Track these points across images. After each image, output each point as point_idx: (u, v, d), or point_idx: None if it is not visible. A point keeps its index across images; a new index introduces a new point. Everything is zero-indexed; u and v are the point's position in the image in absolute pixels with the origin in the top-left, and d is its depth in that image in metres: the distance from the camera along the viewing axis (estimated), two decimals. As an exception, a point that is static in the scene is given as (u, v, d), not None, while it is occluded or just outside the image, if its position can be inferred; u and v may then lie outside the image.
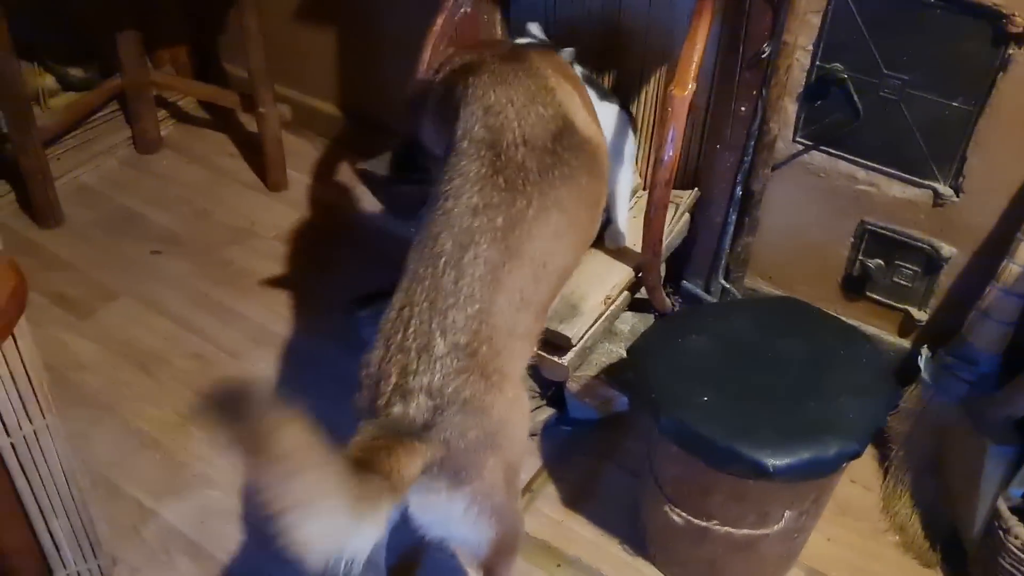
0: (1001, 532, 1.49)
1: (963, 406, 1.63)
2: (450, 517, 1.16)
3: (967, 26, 1.50)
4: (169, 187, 2.46)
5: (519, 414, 1.20)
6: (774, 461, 1.29)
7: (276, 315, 2.08)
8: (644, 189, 1.96)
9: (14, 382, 1.17)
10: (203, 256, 2.24)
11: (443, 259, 1.14)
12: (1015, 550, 1.46)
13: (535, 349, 1.44)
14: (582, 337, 1.67)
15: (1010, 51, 1.47)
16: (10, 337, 1.12)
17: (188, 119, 2.72)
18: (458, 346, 1.10)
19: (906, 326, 1.85)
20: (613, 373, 1.79)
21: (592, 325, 1.68)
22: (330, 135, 2.62)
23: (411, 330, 1.11)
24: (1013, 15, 1.44)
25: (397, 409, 1.09)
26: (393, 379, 1.10)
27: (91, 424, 1.79)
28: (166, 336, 2.02)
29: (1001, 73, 1.50)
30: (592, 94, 1.60)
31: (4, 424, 1.19)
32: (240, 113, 2.64)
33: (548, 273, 1.22)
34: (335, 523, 0.95)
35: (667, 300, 1.81)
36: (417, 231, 1.21)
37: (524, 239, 1.18)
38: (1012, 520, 1.48)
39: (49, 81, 2.48)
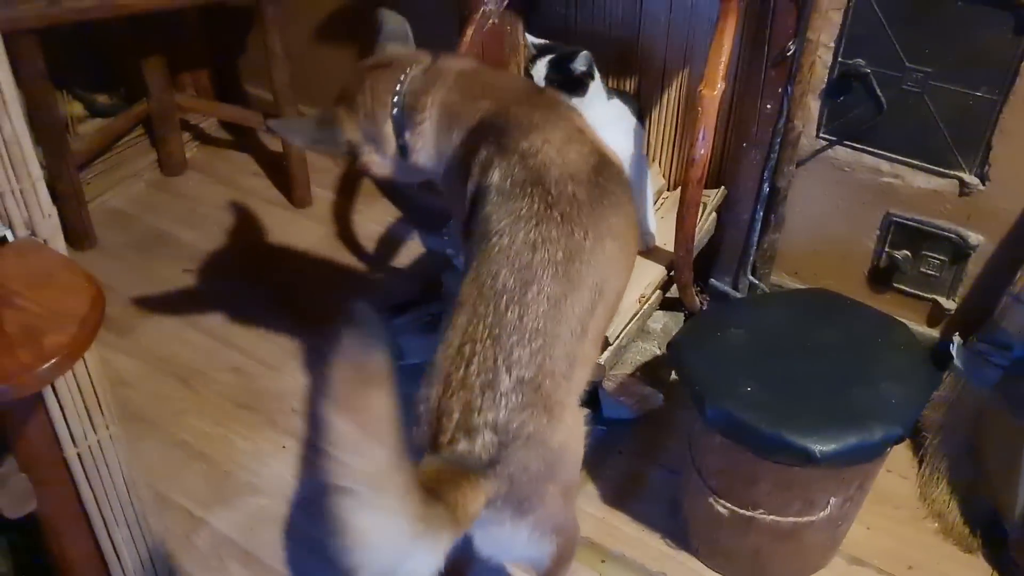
0: (1042, 515, 1.51)
1: (998, 391, 1.65)
2: (515, 544, 1.19)
3: (988, 16, 1.53)
4: (197, 207, 2.50)
5: (577, 439, 1.23)
6: (821, 447, 1.32)
7: (310, 328, 2.11)
8: (670, 189, 2.00)
9: (80, 393, 1.21)
10: (232, 273, 2.28)
11: (505, 296, 1.15)
12: (1057, 530, 1.48)
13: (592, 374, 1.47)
14: (618, 336, 1.70)
15: (1032, 40, 1.51)
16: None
17: (212, 141, 2.76)
18: (523, 381, 1.11)
19: (935, 316, 1.88)
20: (647, 371, 1.82)
21: (628, 324, 1.72)
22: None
23: (474, 367, 1.12)
24: (1034, 3, 1.48)
25: (462, 446, 1.10)
26: (456, 415, 1.11)
27: (137, 438, 1.82)
28: (204, 351, 2.06)
29: None
30: (617, 103, 1.66)
31: (71, 434, 1.22)
32: (263, 133, 2.68)
33: (606, 299, 1.24)
34: (392, 531, 0.96)
35: (696, 298, 1.85)
36: (469, 268, 1.22)
37: (584, 270, 1.19)
38: (1053, 500, 1.50)
39: (77, 109, 2.53)
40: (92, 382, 1.22)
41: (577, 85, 1.63)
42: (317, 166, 2.54)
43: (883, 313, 1.56)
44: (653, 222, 1.81)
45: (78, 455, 1.24)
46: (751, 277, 1.96)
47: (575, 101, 1.60)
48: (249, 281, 2.26)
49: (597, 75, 1.66)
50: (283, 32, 2.26)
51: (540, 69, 1.63)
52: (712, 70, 1.52)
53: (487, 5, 1.72)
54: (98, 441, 1.27)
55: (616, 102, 1.72)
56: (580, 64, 1.62)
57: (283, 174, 2.51)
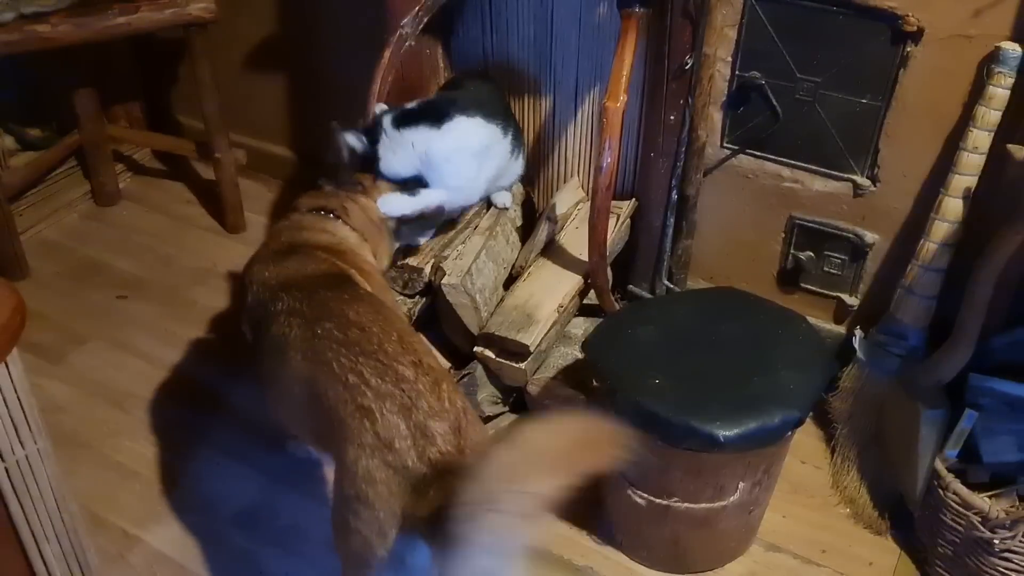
0: (940, 491, 1.60)
1: (896, 379, 1.75)
2: None
3: (868, 28, 1.65)
4: (130, 236, 2.53)
5: None
6: (724, 432, 1.40)
7: (243, 349, 2.14)
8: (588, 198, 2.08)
9: (7, 407, 1.23)
10: (168, 298, 2.31)
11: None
12: (954, 505, 1.57)
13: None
14: (538, 344, 1.77)
15: (908, 49, 1.62)
16: (2, 364, 1.18)
17: (145, 170, 2.80)
18: None
19: (840, 312, 1.98)
20: (569, 374, 1.89)
21: (547, 331, 1.79)
22: (284, 176, 2.72)
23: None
24: (908, 16, 1.59)
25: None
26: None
27: (71, 461, 1.84)
28: (138, 374, 2.08)
29: (902, 69, 1.65)
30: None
31: (-2, 449, 1.24)
32: (195, 161, 2.73)
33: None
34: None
35: (615, 304, 1.93)
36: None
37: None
38: (949, 477, 1.59)
39: (8, 142, 2.55)
40: (18, 396, 1.24)
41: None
42: (250, 193, 2.59)
43: (783, 307, 1.66)
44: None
45: (5, 469, 1.27)
46: (667, 282, 2.04)
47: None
48: (184, 305, 2.29)
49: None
50: (213, 62, 2.31)
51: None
52: (615, 84, 1.61)
53: (404, 28, 1.80)
54: (26, 456, 1.29)
55: (488, 118, 1.79)
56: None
57: (217, 201, 2.55)
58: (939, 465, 1.62)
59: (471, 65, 2.06)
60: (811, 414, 1.94)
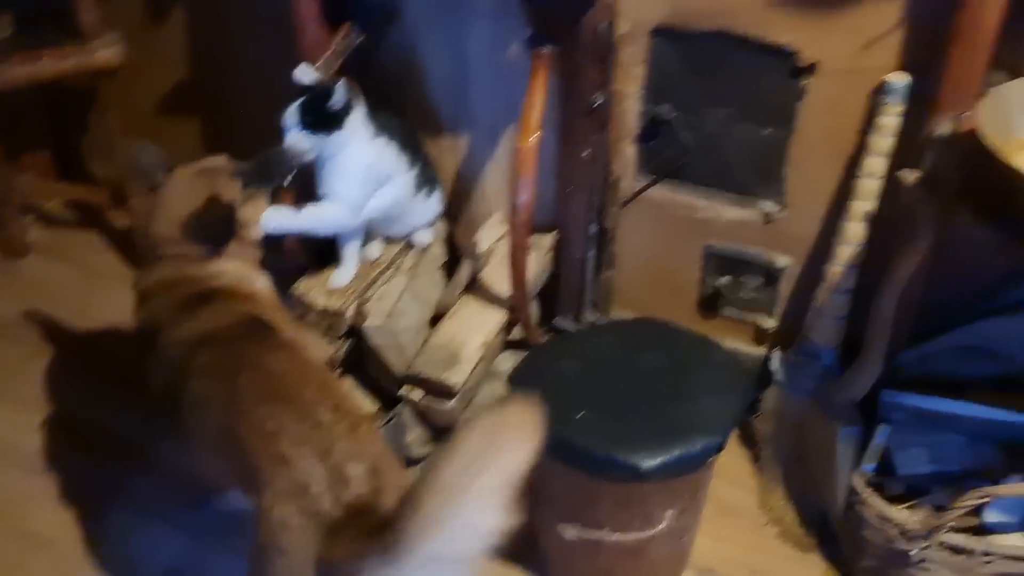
0: (860, 505, 1.65)
1: (813, 398, 1.80)
2: None
3: (768, 63, 1.71)
4: (41, 289, 2.46)
5: None
6: (647, 462, 1.42)
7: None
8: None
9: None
10: (82, 351, 2.25)
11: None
12: (873, 519, 1.62)
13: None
14: (465, 382, 1.78)
15: (804, 82, 1.69)
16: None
17: (56, 221, 2.72)
18: None
19: (759, 335, 2.03)
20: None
21: (473, 369, 1.80)
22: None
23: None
24: (802, 51, 1.66)
25: None
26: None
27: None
28: (51, 434, 2.02)
29: (800, 101, 1.71)
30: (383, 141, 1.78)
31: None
32: (109, 210, 2.67)
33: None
34: None
35: (541, 337, 1.95)
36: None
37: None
38: (867, 491, 1.64)
39: (-91, 197, 2.46)
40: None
41: (334, 121, 1.69)
42: (167, 240, 2.54)
43: (700, 335, 1.69)
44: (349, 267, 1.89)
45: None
46: (592, 314, 2.07)
47: (333, 137, 1.69)
48: (99, 358, 2.23)
49: (359, 108, 1.73)
50: (125, 108, 2.28)
51: (291, 116, 1.68)
52: (526, 124, 1.64)
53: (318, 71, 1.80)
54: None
55: (382, 140, 1.79)
56: (338, 100, 1.67)
57: (132, 250, 2.49)
58: (857, 480, 1.67)
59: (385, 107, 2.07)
60: (737, 436, 2.00)
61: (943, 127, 1.49)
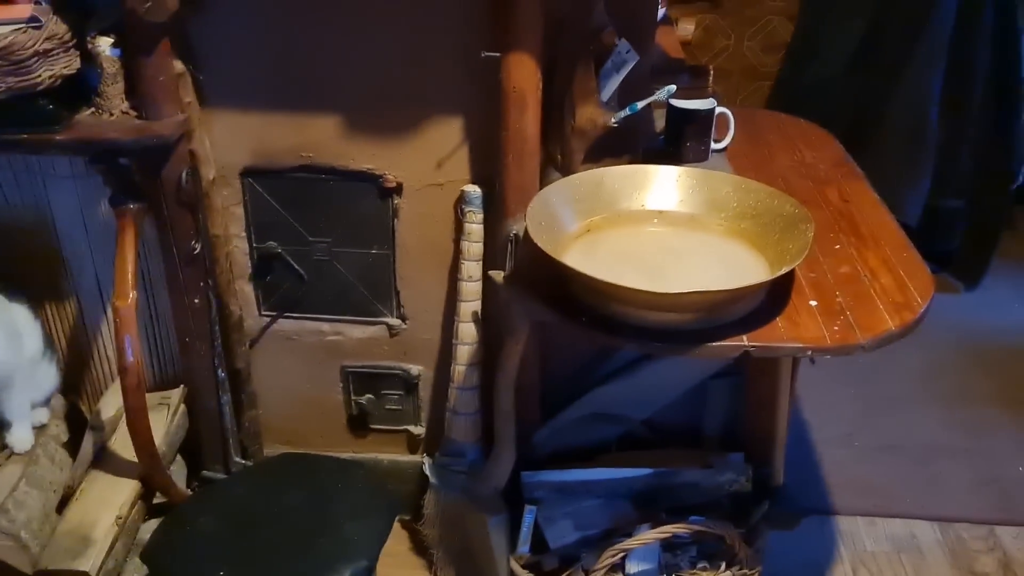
0: (521, 587, 1.73)
1: (464, 494, 1.87)
2: None
3: (358, 188, 1.80)
4: None
5: None
6: (296, 606, 1.39)
7: None
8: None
9: None
10: None
11: None
12: (536, 598, 1.71)
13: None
14: (100, 566, 1.65)
15: (395, 201, 1.80)
16: None
17: None
18: None
19: (412, 443, 2.09)
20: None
21: (108, 550, 1.67)
22: None
23: None
24: (386, 174, 1.77)
25: None
26: None
27: None
28: None
29: (395, 219, 1.82)
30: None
31: None
32: None
33: None
34: None
35: (187, 495, 1.86)
36: None
37: None
38: (524, 573, 1.73)
39: None
40: None
41: None
42: None
43: (340, 460, 1.71)
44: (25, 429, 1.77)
45: None
46: (241, 459, 2.02)
47: None
48: None
49: None
50: None
51: None
52: (120, 282, 1.59)
53: None
54: None
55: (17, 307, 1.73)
56: None
57: None
58: (514, 564, 1.75)
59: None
60: (409, 547, 2.03)
61: (515, 227, 1.65)
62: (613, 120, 1.55)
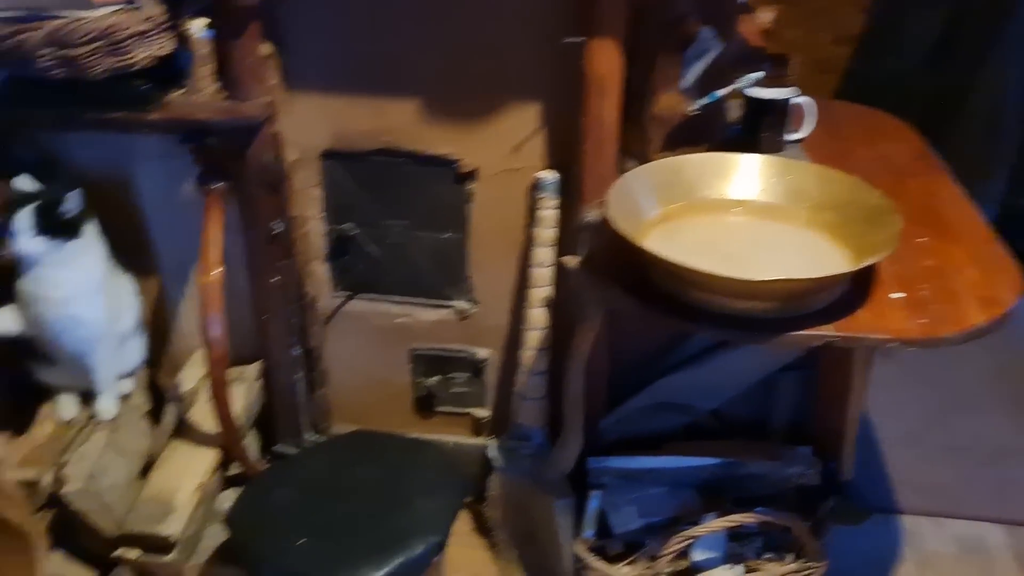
0: (585, 571, 1.75)
1: (530, 478, 1.90)
2: None
3: (434, 173, 1.82)
4: None
5: None
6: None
7: None
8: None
9: None
10: None
11: None
12: (599, 581, 1.72)
13: None
14: (182, 531, 1.70)
15: (468, 186, 1.82)
16: None
17: None
18: None
19: (476, 426, 2.12)
20: (227, 552, 1.83)
21: (190, 516, 1.73)
22: None
23: None
24: (462, 159, 1.79)
25: None
26: None
27: None
28: None
29: (469, 204, 1.84)
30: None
31: None
32: None
33: None
34: None
35: (261, 468, 1.91)
36: None
37: None
38: (589, 557, 1.74)
39: None
40: None
41: (71, 229, 1.64)
42: None
43: (411, 439, 1.74)
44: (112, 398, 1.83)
45: None
46: (313, 435, 2.06)
47: (72, 245, 1.64)
48: None
49: (93, 219, 1.70)
50: None
51: (24, 219, 1.60)
52: (205, 259, 1.64)
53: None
54: None
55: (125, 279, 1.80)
56: (71, 206, 1.63)
57: None
58: (578, 547, 1.76)
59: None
60: (471, 528, 2.06)
61: (591, 214, 1.66)
62: (694, 108, 1.55)
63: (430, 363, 2.04)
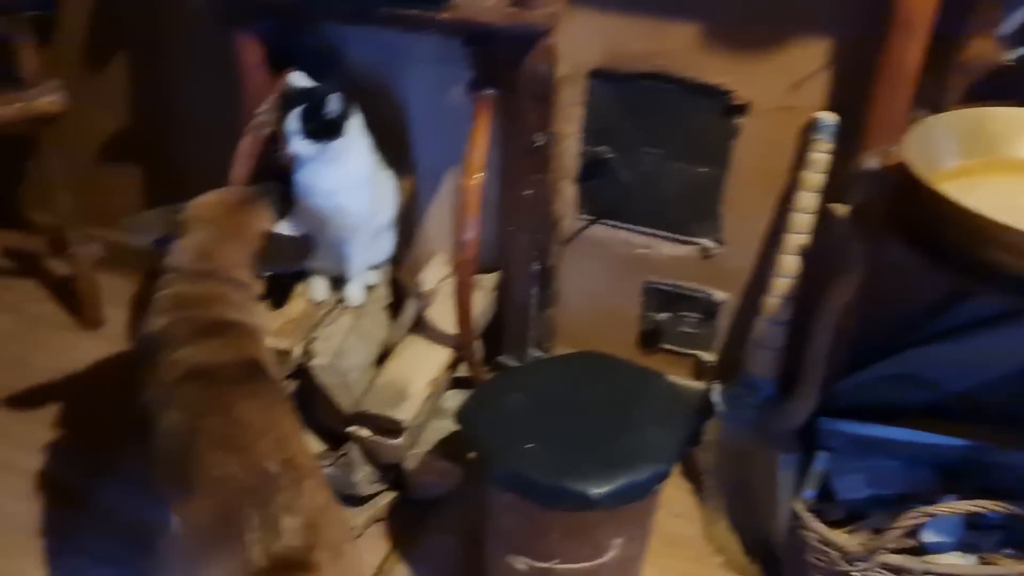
0: (802, 530, 1.69)
1: (754, 428, 1.85)
2: None
3: (702, 103, 1.78)
4: (-22, 338, 2.41)
5: None
6: (596, 490, 1.44)
7: (117, 447, 2.06)
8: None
9: None
10: (24, 401, 2.20)
11: None
12: (815, 543, 1.66)
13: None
14: (412, 419, 1.79)
15: (737, 121, 1.76)
16: None
17: (-8, 270, 2.68)
18: None
19: (699, 369, 2.08)
20: (446, 447, 1.91)
21: (421, 406, 1.81)
22: (144, 268, 2.65)
23: None
24: (735, 91, 1.73)
25: None
26: None
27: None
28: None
29: (734, 140, 1.78)
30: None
31: None
32: (48, 257, 2.63)
33: None
34: None
35: (486, 375, 1.96)
36: None
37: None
38: (808, 516, 1.68)
39: None
40: None
41: (334, 129, 1.71)
42: (108, 287, 2.51)
43: (643, 368, 1.73)
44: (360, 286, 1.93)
45: None
46: (536, 351, 2.10)
47: (337, 143, 1.72)
48: (40, 406, 2.18)
49: (357, 116, 1.77)
50: (66, 155, 2.26)
51: (293, 122, 1.69)
52: (470, 164, 1.68)
53: (260, 115, 1.83)
54: None
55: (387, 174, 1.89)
56: (333, 108, 1.69)
57: (72, 297, 2.47)
58: (798, 506, 1.70)
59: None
60: (679, 469, 2.03)
61: (871, 161, 1.56)
62: (1011, 57, 1.41)
63: (663, 298, 2.02)
